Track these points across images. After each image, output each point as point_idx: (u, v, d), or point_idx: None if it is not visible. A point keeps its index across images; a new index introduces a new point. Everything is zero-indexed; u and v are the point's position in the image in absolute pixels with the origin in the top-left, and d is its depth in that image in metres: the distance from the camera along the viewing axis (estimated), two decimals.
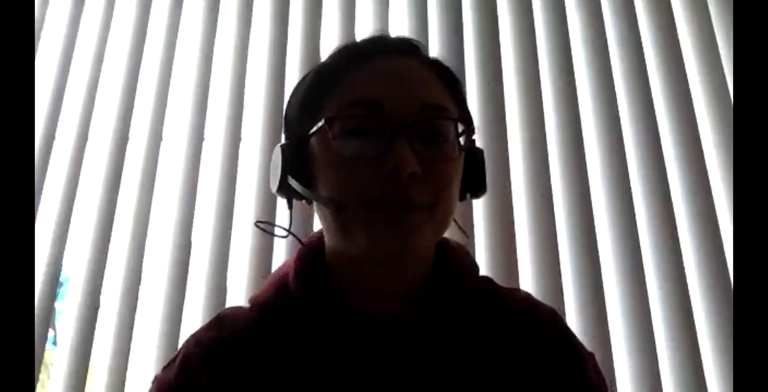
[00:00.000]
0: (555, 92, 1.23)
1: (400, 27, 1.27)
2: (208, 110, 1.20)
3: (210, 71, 1.22)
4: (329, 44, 1.25)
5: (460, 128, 0.52)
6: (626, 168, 1.18)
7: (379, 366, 0.50)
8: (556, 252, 1.11)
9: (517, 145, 1.19)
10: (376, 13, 1.27)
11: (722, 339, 1.07)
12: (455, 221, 0.55)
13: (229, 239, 1.10)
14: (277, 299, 0.56)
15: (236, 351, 0.53)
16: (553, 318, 0.60)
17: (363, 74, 0.51)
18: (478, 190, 0.56)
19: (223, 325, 0.57)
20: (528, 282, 1.09)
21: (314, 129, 0.50)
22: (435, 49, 1.25)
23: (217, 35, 1.25)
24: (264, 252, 1.09)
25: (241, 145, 1.18)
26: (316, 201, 0.52)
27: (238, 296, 1.06)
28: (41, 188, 1.12)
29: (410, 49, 0.55)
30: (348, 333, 0.52)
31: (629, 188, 1.17)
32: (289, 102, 0.59)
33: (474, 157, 0.55)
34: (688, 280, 1.11)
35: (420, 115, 0.48)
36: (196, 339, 0.56)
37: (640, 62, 1.26)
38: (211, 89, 1.21)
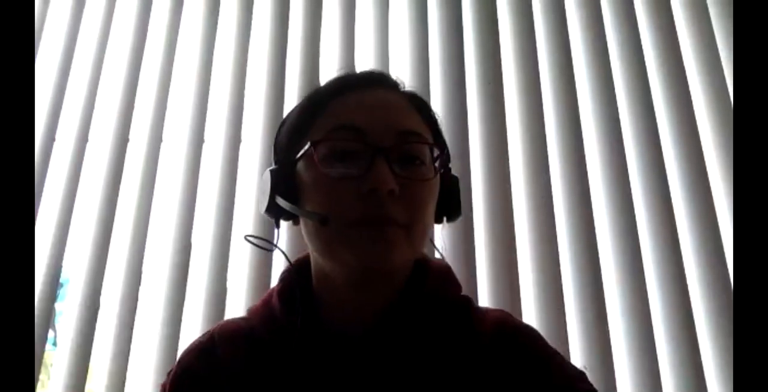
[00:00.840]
0: (555, 93, 1.24)
1: (400, 27, 1.27)
2: (208, 112, 1.20)
3: (210, 73, 1.22)
4: (329, 45, 1.25)
5: (435, 153, 0.57)
6: (626, 168, 1.18)
7: (344, 383, 0.54)
8: (556, 252, 1.11)
9: (518, 145, 1.19)
10: (376, 14, 1.27)
11: (722, 339, 1.07)
12: (431, 242, 0.60)
13: (229, 242, 1.10)
14: (265, 311, 0.61)
15: (223, 361, 0.58)
16: (529, 336, 0.60)
17: (345, 103, 0.57)
18: (453, 213, 0.61)
19: (213, 335, 0.62)
20: (528, 282, 1.09)
21: (301, 152, 0.55)
22: (435, 49, 1.25)
23: (217, 36, 1.25)
24: (264, 255, 1.09)
25: (241, 147, 1.18)
26: (301, 215, 0.56)
27: (237, 299, 1.06)
28: (41, 189, 1.12)
29: (388, 82, 0.61)
30: (320, 351, 0.55)
31: (629, 188, 1.17)
32: (279, 130, 0.64)
33: (449, 182, 0.60)
34: (688, 280, 1.11)
35: (397, 140, 0.54)
36: (189, 348, 0.62)
37: (640, 63, 1.26)
38: (211, 91, 1.21)
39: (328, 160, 0.53)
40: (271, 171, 0.59)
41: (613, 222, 1.14)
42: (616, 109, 1.23)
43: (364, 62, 1.24)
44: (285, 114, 1.16)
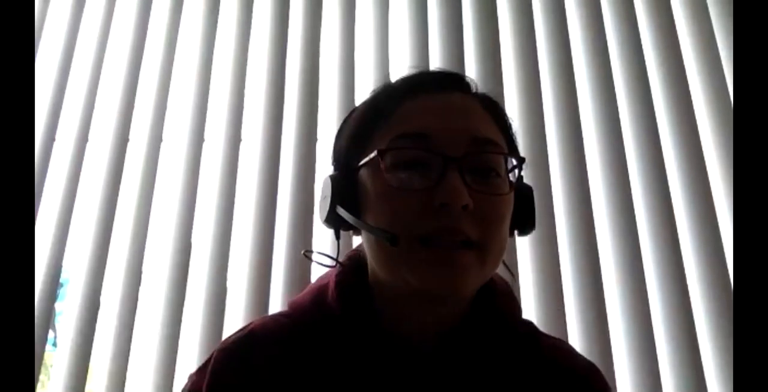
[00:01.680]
0: (555, 93, 1.24)
1: (400, 26, 1.27)
2: (208, 111, 1.20)
3: (210, 72, 1.22)
4: (329, 45, 1.25)
5: (510, 163, 0.53)
6: (626, 167, 1.18)
7: None
8: (556, 252, 1.11)
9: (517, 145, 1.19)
10: (375, 13, 1.27)
11: (722, 339, 1.07)
12: (503, 262, 0.54)
13: (229, 242, 1.10)
14: (314, 308, 0.57)
15: (265, 358, 0.53)
16: (589, 371, 0.59)
17: (412, 108, 0.52)
18: (527, 227, 0.55)
19: (253, 332, 0.57)
20: (528, 283, 1.09)
21: (365, 160, 0.51)
22: (435, 50, 1.25)
23: (217, 36, 1.25)
24: (264, 256, 1.09)
25: (241, 146, 1.18)
26: (367, 231, 0.51)
27: (237, 299, 1.06)
28: (41, 189, 1.12)
29: (457, 83, 0.56)
30: (380, 355, 0.52)
31: (629, 188, 1.17)
32: (337, 135, 0.60)
33: (524, 192, 0.55)
34: (689, 280, 1.11)
35: (470, 148, 0.49)
36: (226, 345, 0.57)
37: (640, 63, 1.26)
38: (211, 90, 1.21)
39: (395, 169, 0.49)
40: (332, 178, 0.54)
41: (613, 222, 1.14)
42: (616, 108, 1.22)
43: (364, 62, 1.24)
44: (284, 114, 1.19)
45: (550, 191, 1.15)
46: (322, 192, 0.56)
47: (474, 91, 0.56)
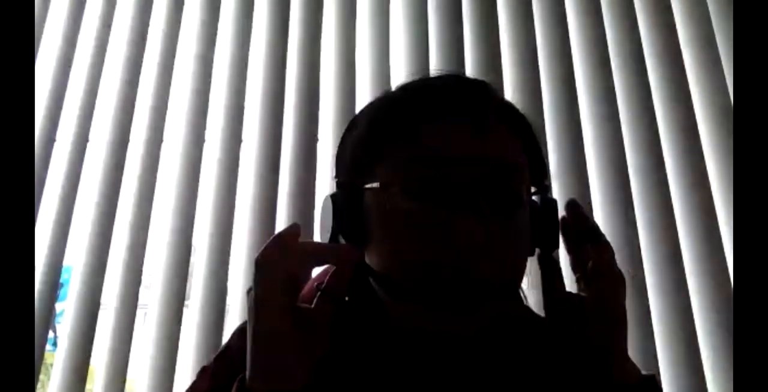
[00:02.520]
0: (554, 92, 1.24)
1: (400, 24, 1.27)
2: (208, 112, 1.20)
3: (210, 73, 1.22)
4: (329, 45, 1.25)
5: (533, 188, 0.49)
6: (626, 168, 1.18)
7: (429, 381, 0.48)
8: (556, 253, 1.11)
9: None
10: (376, 12, 1.27)
11: (722, 340, 1.07)
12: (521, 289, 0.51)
13: (229, 242, 1.11)
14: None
15: None
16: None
17: (429, 129, 0.46)
18: (549, 245, 0.51)
19: None
20: (528, 283, 1.09)
21: (373, 184, 0.46)
22: (435, 49, 1.25)
23: (217, 36, 1.25)
24: None
25: (242, 146, 1.18)
26: (369, 274, 0.48)
27: (237, 299, 1.06)
28: (41, 190, 1.12)
29: (481, 100, 0.50)
30: (392, 344, 0.49)
31: (629, 188, 1.17)
32: (342, 143, 0.54)
33: (546, 207, 0.50)
34: (689, 281, 1.11)
35: (490, 176, 0.44)
36: (237, 328, 0.56)
37: (640, 63, 1.26)
38: (211, 90, 1.21)
39: (405, 196, 0.44)
40: (333, 198, 0.49)
41: (612, 222, 1.14)
42: (617, 108, 1.23)
43: (365, 62, 1.24)
44: (284, 114, 1.19)
45: (550, 191, 1.15)
46: (322, 213, 0.51)
47: (499, 103, 0.51)
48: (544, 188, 0.50)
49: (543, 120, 1.21)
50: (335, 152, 0.55)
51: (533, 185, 0.49)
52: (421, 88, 0.51)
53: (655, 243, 1.13)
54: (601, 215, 1.15)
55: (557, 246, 0.51)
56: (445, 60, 1.23)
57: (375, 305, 0.50)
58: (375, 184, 0.46)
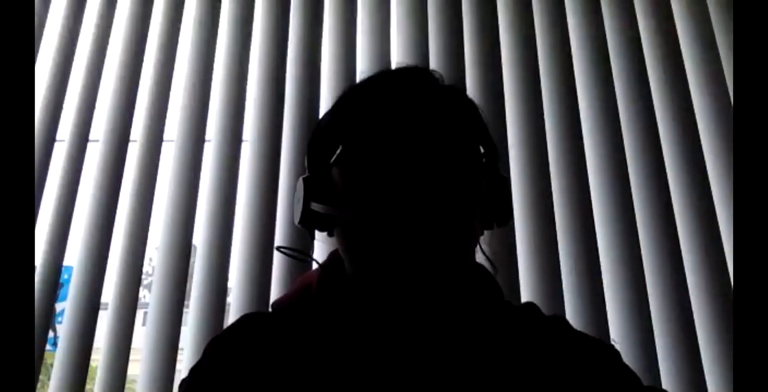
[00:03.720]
0: (552, 93, 1.24)
1: (399, 24, 1.27)
2: (209, 112, 1.20)
3: (211, 73, 1.22)
4: (329, 45, 1.25)
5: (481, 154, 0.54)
6: (626, 168, 1.18)
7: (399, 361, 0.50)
8: (556, 254, 1.11)
9: (517, 148, 1.19)
10: (376, 14, 1.27)
11: (722, 340, 1.07)
12: (482, 250, 0.56)
13: (230, 242, 1.11)
14: (298, 298, 0.58)
15: (247, 348, 0.54)
16: (601, 342, 0.60)
17: (381, 109, 0.53)
18: (502, 217, 0.57)
19: (238, 324, 0.59)
20: (527, 284, 1.09)
21: (334, 157, 0.53)
22: (435, 49, 1.25)
23: (217, 36, 1.26)
24: (264, 256, 1.09)
25: (244, 146, 1.18)
26: (337, 216, 0.53)
27: (237, 299, 1.06)
28: (42, 190, 1.12)
29: (424, 82, 0.56)
30: (366, 335, 0.52)
31: (629, 188, 1.17)
32: (311, 136, 0.61)
33: (497, 185, 0.56)
34: (688, 281, 1.11)
35: (439, 148, 0.50)
36: (211, 340, 0.58)
37: (640, 62, 1.26)
38: (212, 90, 1.21)
39: (364, 165, 0.51)
40: (304, 178, 0.56)
41: (612, 223, 1.14)
42: (616, 108, 1.23)
43: (365, 62, 1.24)
44: (284, 114, 1.19)
45: (550, 193, 1.15)
46: (296, 194, 0.58)
47: (447, 87, 0.57)
48: (495, 166, 0.56)
49: (543, 120, 1.21)
50: (307, 147, 0.61)
51: (485, 162, 0.54)
52: (377, 77, 0.58)
53: (655, 243, 1.13)
54: (600, 215, 1.15)
55: (509, 219, 0.57)
56: (446, 59, 1.23)
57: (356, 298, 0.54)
58: (336, 155, 0.53)
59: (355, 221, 0.51)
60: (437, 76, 0.58)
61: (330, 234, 0.58)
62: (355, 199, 0.51)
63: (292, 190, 1.13)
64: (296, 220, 0.57)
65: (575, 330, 0.59)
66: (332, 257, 0.60)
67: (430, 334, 0.52)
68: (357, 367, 0.50)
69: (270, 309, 0.60)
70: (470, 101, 0.57)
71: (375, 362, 0.50)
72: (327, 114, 0.60)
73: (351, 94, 0.58)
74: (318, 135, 0.59)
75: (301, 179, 0.57)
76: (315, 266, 0.61)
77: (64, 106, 1.19)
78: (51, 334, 1.08)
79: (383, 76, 0.58)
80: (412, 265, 0.49)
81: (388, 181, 0.49)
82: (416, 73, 0.58)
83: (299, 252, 0.70)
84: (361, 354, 0.51)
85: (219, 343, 0.57)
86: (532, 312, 0.59)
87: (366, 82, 0.58)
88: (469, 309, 0.54)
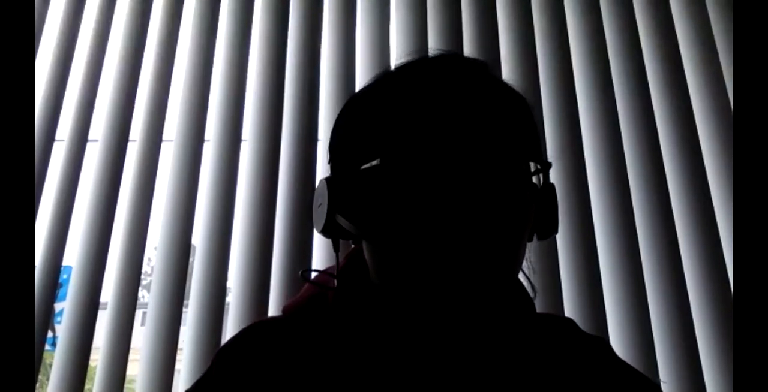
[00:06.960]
0: (552, 93, 1.24)
1: (399, 23, 1.27)
2: (209, 111, 1.20)
3: (210, 72, 1.22)
4: (329, 45, 1.25)
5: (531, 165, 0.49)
6: (625, 168, 1.18)
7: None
8: (556, 254, 1.11)
9: None
10: (376, 13, 1.27)
11: (722, 340, 1.07)
12: (523, 271, 0.51)
13: (229, 242, 1.10)
14: (311, 304, 0.54)
15: (260, 359, 0.50)
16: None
17: (428, 110, 0.46)
18: (547, 230, 0.51)
19: (248, 331, 0.55)
20: (525, 284, 1.09)
21: (368, 165, 0.46)
22: (434, 48, 1.25)
23: (217, 36, 1.25)
24: (264, 256, 1.09)
25: (243, 146, 1.18)
26: (366, 240, 0.48)
27: (238, 299, 1.06)
28: (41, 189, 1.12)
29: (479, 81, 0.49)
30: (383, 346, 0.48)
31: (628, 188, 1.17)
32: (334, 129, 0.53)
33: (546, 193, 0.51)
34: (688, 281, 1.11)
35: (485, 158, 0.44)
36: (221, 347, 0.55)
37: (639, 62, 1.26)
38: (211, 90, 1.21)
39: (400, 175, 0.44)
40: (328, 181, 0.49)
41: (612, 223, 1.14)
42: (615, 108, 1.23)
43: (365, 61, 1.24)
44: (284, 113, 1.19)
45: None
46: (317, 198, 0.52)
47: (497, 83, 0.50)
48: (544, 168, 0.49)
49: (542, 120, 1.21)
50: (329, 136, 0.53)
51: (533, 164, 0.48)
52: (419, 68, 0.50)
53: (654, 243, 1.13)
54: (599, 215, 1.15)
55: (556, 231, 0.51)
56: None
57: (369, 291, 0.50)
58: (371, 164, 0.45)
59: (392, 240, 0.45)
60: (489, 68, 0.50)
61: (355, 244, 0.53)
62: (391, 214, 0.45)
63: (292, 189, 1.13)
64: (318, 228, 0.51)
65: (617, 358, 0.54)
66: (350, 259, 0.55)
67: (459, 351, 0.48)
68: (377, 383, 0.46)
69: (281, 313, 0.56)
70: (524, 102, 0.51)
71: (398, 378, 0.46)
72: (357, 106, 0.52)
73: (389, 88, 0.49)
74: (347, 131, 0.51)
75: (323, 181, 0.50)
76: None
77: (64, 105, 1.19)
78: (50, 334, 1.07)
79: (426, 68, 0.49)
80: (457, 287, 0.44)
81: (434, 196, 0.43)
82: (464, 65, 0.50)
83: (324, 273, 0.59)
84: (382, 370, 0.47)
85: (229, 353, 0.52)
86: (569, 330, 0.54)
87: (407, 75, 0.49)
88: (501, 326, 0.50)
